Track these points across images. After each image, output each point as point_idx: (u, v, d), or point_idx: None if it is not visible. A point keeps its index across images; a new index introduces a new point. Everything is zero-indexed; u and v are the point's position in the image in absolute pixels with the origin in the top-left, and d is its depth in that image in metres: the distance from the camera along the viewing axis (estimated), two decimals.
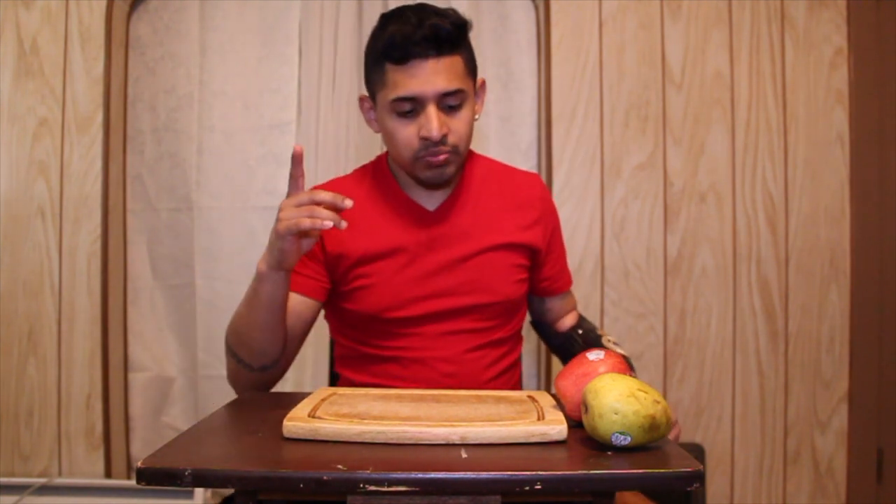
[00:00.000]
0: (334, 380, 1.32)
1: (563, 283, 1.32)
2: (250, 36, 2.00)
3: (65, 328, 1.90)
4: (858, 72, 1.93)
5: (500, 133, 2.03)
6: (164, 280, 2.04)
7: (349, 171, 2.02)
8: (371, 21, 1.99)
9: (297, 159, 0.97)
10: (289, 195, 0.99)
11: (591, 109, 1.93)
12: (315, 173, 1.96)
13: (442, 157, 1.10)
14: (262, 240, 1.96)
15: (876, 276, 1.94)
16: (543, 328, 1.37)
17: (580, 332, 1.30)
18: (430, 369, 1.17)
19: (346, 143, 1.98)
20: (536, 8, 2.02)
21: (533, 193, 1.26)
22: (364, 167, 1.28)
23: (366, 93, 1.18)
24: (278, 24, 2.00)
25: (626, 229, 1.93)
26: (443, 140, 1.09)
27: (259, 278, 1.04)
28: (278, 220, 0.98)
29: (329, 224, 0.93)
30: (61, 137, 1.90)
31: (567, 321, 1.33)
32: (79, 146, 1.90)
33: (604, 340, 1.27)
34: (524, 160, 2.03)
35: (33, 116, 1.90)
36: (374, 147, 2.00)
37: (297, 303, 1.16)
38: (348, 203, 0.95)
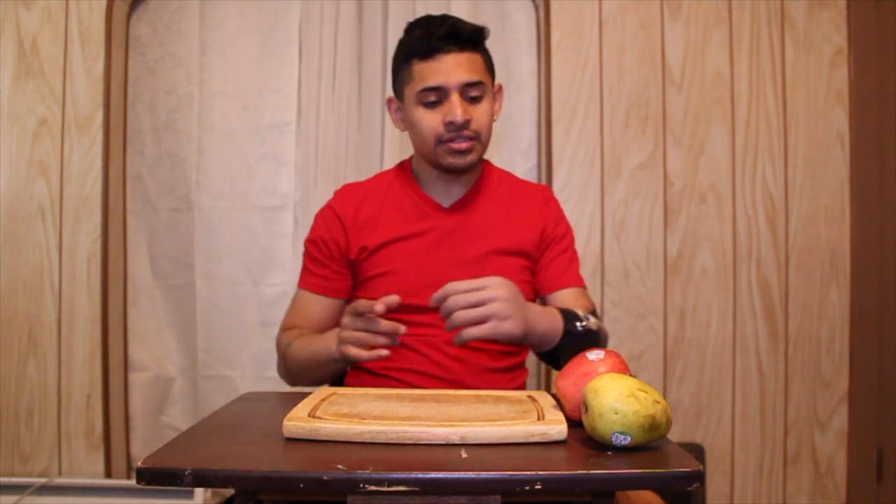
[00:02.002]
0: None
1: (568, 278, 1.29)
2: (250, 36, 2.00)
3: (65, 328, 1.90)
4: (858, 72, 1.93)
5: (500, 133, 2.03)
6: (164, 280, 2.03)
7: (349, 171, 2.04)
8: (371, 21, 2.01)
9: (391, 306, 1.02)
10: (353, 323, 1.05)
11: (591, 109, 1.93)
12: (315, 173, 1.96)
13: (465, 144, 1.18)
14: (263, 240, 1.99)
15: (876, 276, 1.94)
16: None
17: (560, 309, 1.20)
18: (441, 353, 1.21)
19: (346, 143, 1.98)
20: (536, 8, 2.02)
21: (534, 202, 1.31)
22: (389, 169, 1.36)
23: (393, 95, 1.28)
24: (278, 24, 2.00)
25: (626, 229, 1.93)
26: (466, 125, 1.17)
27: (332, 357, 1.12)
28: (341, 340, 1.06)
29: (385, 353, 1.02)
30: (61, 137, 1.90)
31: None
32: (79, 146, 1.90)
33: (581, 314, 1.16)
34: (524, 160, 2.03)
35: (33, 116, 1.90)
36: (374, 147, 2.00)
37: (334, 307, 1.26)
38: (402, 329, 1.02)
